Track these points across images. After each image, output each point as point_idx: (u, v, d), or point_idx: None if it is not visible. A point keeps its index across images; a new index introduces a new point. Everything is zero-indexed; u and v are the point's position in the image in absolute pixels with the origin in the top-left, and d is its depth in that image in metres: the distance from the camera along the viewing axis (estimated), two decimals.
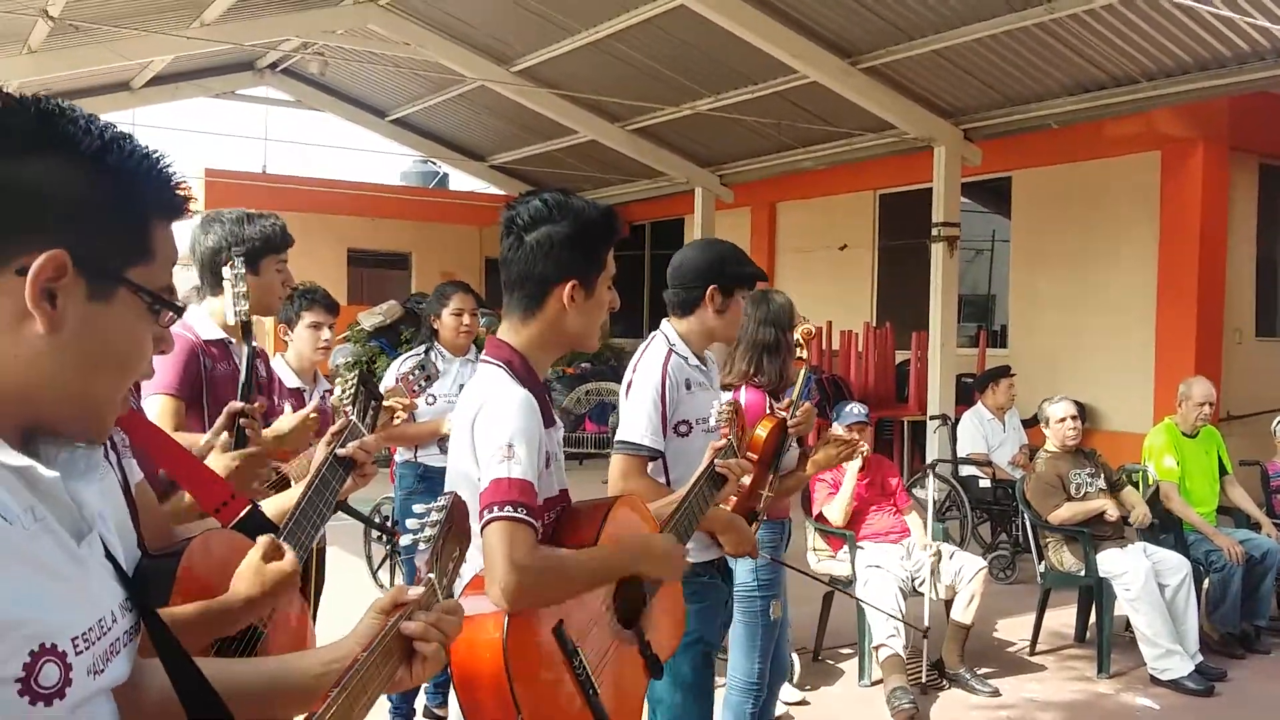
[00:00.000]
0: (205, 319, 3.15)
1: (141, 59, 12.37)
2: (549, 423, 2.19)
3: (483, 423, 2.10)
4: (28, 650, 0.97)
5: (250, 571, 1.82)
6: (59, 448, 1.08)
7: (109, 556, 1.12)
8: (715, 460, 2.63)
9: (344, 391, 2.61)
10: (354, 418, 2.41)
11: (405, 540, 1.60)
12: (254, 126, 30.57)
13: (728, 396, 3.92)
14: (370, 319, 13.32)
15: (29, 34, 10.03)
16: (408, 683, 1.38)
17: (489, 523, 2.00)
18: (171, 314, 1.14)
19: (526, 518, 2.00)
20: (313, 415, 3.02)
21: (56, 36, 10.37)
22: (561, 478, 2.27)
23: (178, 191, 1.13)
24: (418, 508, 1.63)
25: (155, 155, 1.11)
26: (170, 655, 1.18)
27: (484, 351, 2.27)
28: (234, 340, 3.19)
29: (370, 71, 14.55)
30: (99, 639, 1.06)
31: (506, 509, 1.98)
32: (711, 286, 3.19)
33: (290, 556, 1.84)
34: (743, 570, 3.75)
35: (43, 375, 1.03)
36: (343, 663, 1.33)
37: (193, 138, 35.15)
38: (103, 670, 1.07)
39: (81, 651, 1.02)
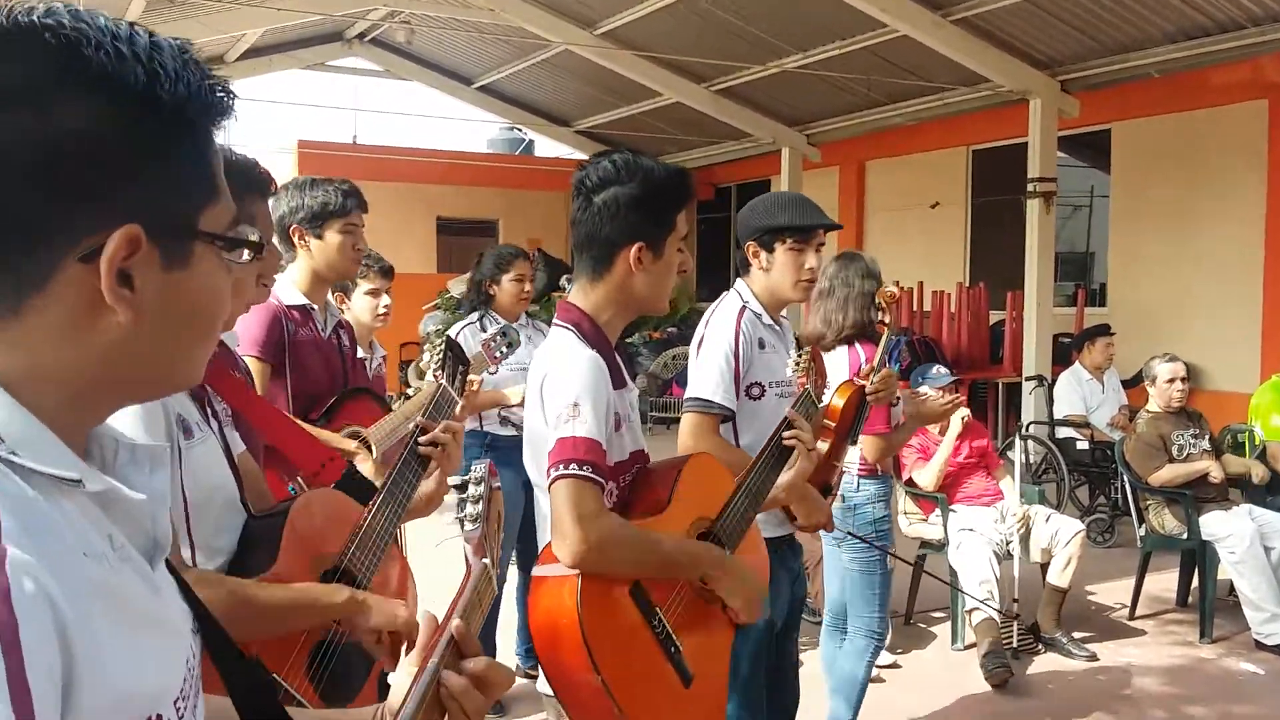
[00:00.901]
0: (287, 285, 3.19)
1: (234, 32, 12.61)
2: (619, 384, 2.18)
3: (550, 384, 2.10)
4: None
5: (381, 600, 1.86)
6: (119, 446, 0.92)
7: (170, 570, 0.97)
8: (787, 424, 2.56)
9: (432, 358, 2.66)
10: (444, 383, 2.46)
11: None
12: (344, 97, 31.08)
13: (842, 352, 3.88)
14: (459, 286, 13.49)
15: (127, 8, 10.29)
16: None
17: (555, 480, 2.00)
18: (245, 251, 0.94)
19: (593, 475, 2.00)
20: None
21: (152, 12, 10.63)
22: (637, 438, 2.25)
23: (219, 90, 0.89)
24: (452, 480, 1.59)
25: (189, 56, 0.86)
26: (236, 674, 1.05)
27: (555, 315, 2.27)
28: (315, 306, 3.24)
29: (455, 39, 14.63)
30: (191, 688, 0.90)
31: (573, 466, 1.99)
32: (750, 243, 3.14)
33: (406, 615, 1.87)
34: (862, 522, 3.87)
35: (124, 361, 0.85)
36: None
37: (286, 110, 35.86)
38: None
39: (183, 714, 0.87)
